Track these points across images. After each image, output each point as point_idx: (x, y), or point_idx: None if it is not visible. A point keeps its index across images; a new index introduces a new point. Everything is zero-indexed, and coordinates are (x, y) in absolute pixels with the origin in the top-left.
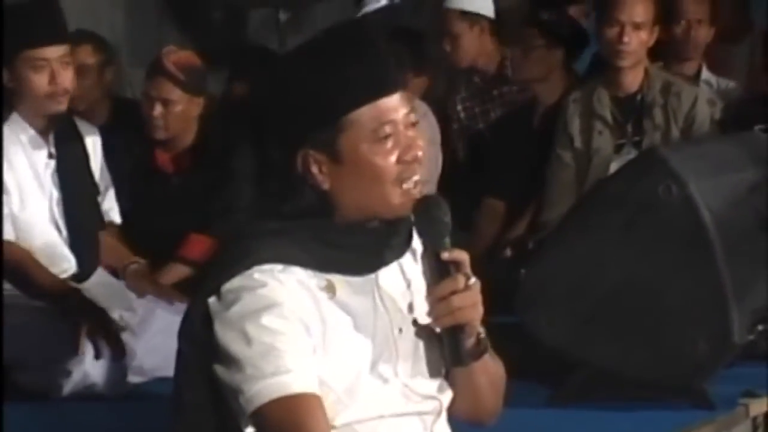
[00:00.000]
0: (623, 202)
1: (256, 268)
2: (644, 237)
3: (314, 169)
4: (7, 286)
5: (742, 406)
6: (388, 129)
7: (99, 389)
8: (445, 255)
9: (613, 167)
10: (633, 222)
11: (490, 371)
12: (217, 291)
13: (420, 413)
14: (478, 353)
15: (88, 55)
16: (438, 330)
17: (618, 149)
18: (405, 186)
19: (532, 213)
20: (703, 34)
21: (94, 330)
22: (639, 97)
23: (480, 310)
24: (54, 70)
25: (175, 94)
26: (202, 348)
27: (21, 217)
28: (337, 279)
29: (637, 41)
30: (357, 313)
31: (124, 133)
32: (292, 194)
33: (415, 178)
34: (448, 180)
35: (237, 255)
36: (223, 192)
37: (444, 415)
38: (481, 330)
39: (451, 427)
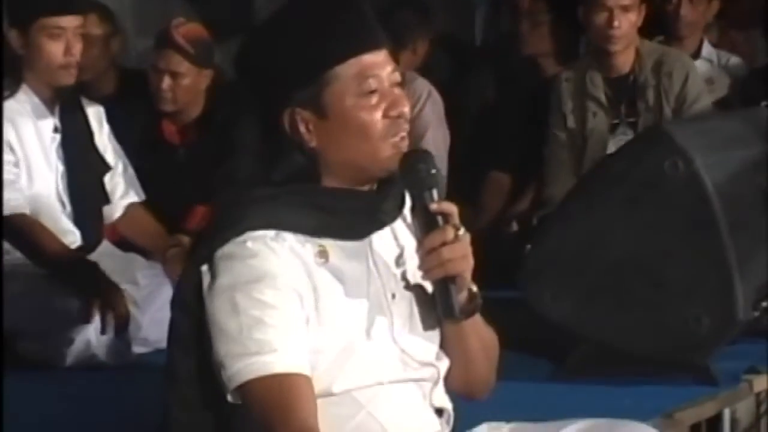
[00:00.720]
0: (628, 178)
1: (249, 234)
2: (649, 213)
3: (301, 128)
4: (8, 255)
5: (746, 383)
6: (372, 83)
7: (102, 359)
8: (433, 206)
9: (610, 147)
10: (638, 198)
11: (482, 335)
12: (209, 258)
13: (418, 380)
14: (470, 309)
15: (94, 26)
16: (431, 291)
17: (613, 129)
18: (392, 140)
19: (536, 189)
20: (694, 11)
21: (104, 303)
22: (631, 77)
23: (471, 262)
24: (69, 40)
25: (184, 66)
26: (194, 317)
27: (29, 191)
28: (330, 244)
29: (627, 24)
30: (350, 278)
31: (130, 104)
32: (282, 157)
33: (402, 133)
34: (454, 154)
35: (229, 222)
36: (228, 164)
37: (441, 384)
38: (474, 286)
39: (454, 402)
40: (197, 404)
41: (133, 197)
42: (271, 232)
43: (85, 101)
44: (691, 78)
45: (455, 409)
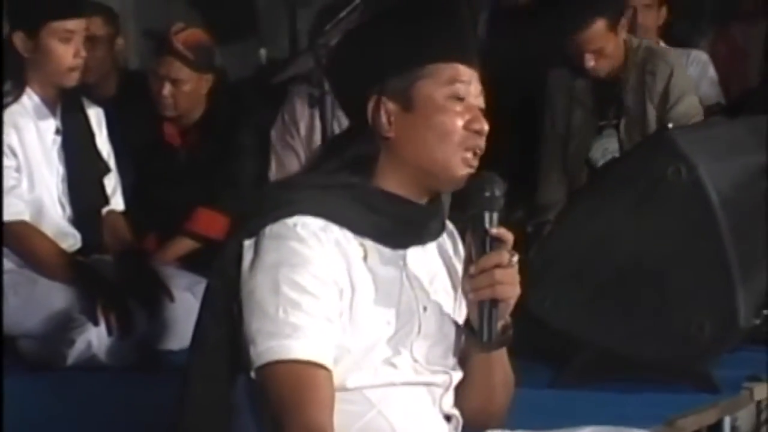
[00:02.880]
0: (632, 184)
1: (298, 218)
2: (651, 219)
3: (383, 117)
4: (9, 258)
5: (747, 390)
6: (462, 90)
7: (103, 360)
8: (494, 231)
9: (595, 149)
10: (640, 204)
11: (506, 369)
12: (255, 234)
13: (429, 384)
14: (503, 340)
15: (98, 27)
16: (461, 320)
17: (600, 131)
18: (466, 154)
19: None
20: (652, 17)
21: (108, 306)
22: (618, 82)
23: (518, 290)
24: (78, 43)
25: (184, 73)
26: (230, 286)
27: (30, 196)
28: (370, 246)
29: (602, 59)
30: (383, 282)
31: (132, 106)
32: (347, 147)
33: (477, 150)
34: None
35: (281, 202)
36: (229, 166)
37: (452, 391)
38: (509, 319)
39: None
40: (218, 374)
41: (118, 205)
42: (320, 222)
43: (86, 102)
44: (675, 76)
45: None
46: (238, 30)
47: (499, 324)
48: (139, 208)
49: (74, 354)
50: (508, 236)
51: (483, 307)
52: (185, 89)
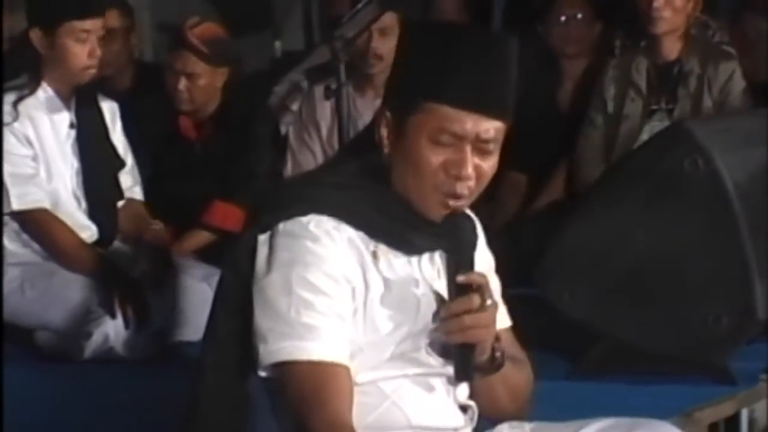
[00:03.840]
0: (648, 175)
1: (313, 216)
2: (669, 210)
3: (384, 132)
4: (27, 248)
5: (764, 383)
6: (447, 140)
7: (120, 353)
8: (461, 278)
9: (645, 134)
10: (658, 195)
11: (510, 382)
12: (270, 229)
13: (443, 375)
14: (490, 369)
15: (114, 20)
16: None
17: (650, 115)
18: (443, 198)
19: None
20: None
21: (125, 298)
22: (677, 65)
23: (492, 332)
24: (93, 43)
25: (200, 67)
26: (243, 281)
27: (49, 187)
28: (382, 248)
29: (670, 8)
30: (398, 283)
31: (148, 98)
32: (363, 151)
33: (457, 194)
34: None
35: (296, 199)
36: (245, 159)
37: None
38: (498, 346)
39: None
40: (231, 368)
41: (137, 194)
42: (333, 221)
43: (100, 97)
44: (736, 75)
45: None
46: (253, 22)
47: (482, 357)
48: (155, 200)
49: (91, 347)
50: (480, 281)
51: (457, 348)
52: (200, 83)
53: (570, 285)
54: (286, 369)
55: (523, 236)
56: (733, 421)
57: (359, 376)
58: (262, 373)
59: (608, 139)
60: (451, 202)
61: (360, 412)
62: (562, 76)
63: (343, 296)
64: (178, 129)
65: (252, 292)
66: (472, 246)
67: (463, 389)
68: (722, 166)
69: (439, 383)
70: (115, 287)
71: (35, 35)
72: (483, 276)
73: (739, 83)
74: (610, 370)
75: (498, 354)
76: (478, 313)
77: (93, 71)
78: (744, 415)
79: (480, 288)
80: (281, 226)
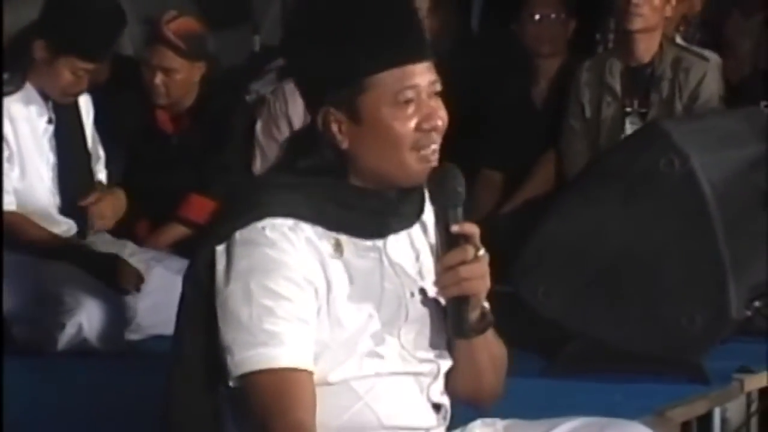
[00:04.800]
0: (624, 175)
1: (268, 221)
2: (644, 210)
3: (334, 128)
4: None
5: (737, 382)
6: (410, 94)
7: (94, 344)
8: (455, 228)
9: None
10: (633, 195)
11: (492, 350)
12: (226, 239)
13: (417, 374)
14: (481, 327)
15: None
16: (443, 301)
17: (624, 117)
18: (422, 153)
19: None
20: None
21: (107, 271)
22: (650, 68)
23: (487, 283)
24: (85, 79)
25: (176, 62)
26: (204, 295)
27: (21, 184)
28: (345, 240)
29: (648, 5)
30: (362, 274)
31: (124, 91)
32: (312, 150)
33: (434, 146)
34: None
35: (249, 204)
36: (221, 152)
37: (441, 380)
38: (486, 305)
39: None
40: (198, 383)
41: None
42: (289, 221)
43: None
44: (707, 79)
45: (451, 404)
46: (233, 16)
47: (474, 314)
48: (130, 193)
49: (65, 338)
50: (472, 230)
51: (452, 302)
52: (177, 78)
53: (545, 283)
54: (250, 379)
55: (498, 234)
56: (705, 420)
57: (330, 375)
58: (233, 385)
59: (591, 144)
60: (432, 157)
61: (332, 414)
62: (536, 74)
63: (305, 300)
64: (154, 122)
65: (214, 305)
66: (457, 198)
67: (437, 388)
68: (698, 166)
69: (413, 382)
70: (94, 265)
71: (38, 47)
72: (474, 226)
73: (710, 87)
74: (584, 368)
75: (487, 311)
76: (473, 264)
77: (74, 98)
78: (717, 414)
79: (472, 238)
80: (237, 234)
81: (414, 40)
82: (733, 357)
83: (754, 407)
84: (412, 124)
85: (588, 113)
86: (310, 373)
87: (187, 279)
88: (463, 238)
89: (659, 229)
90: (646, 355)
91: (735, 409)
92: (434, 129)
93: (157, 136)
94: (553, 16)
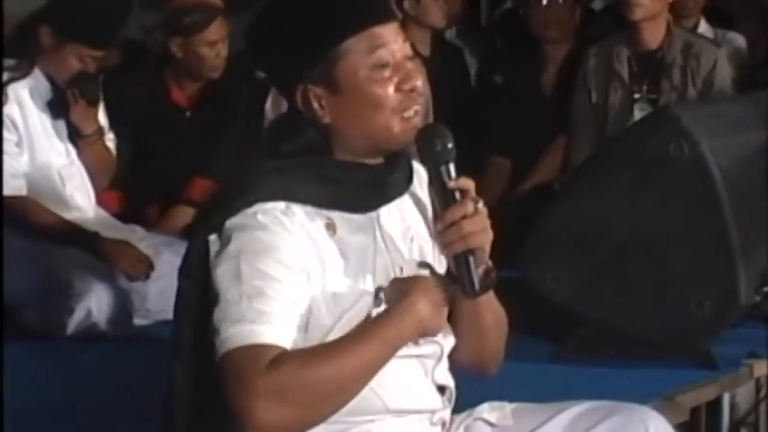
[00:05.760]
0: (633, 160)
1: (258, 206)
2: (653, 195)
3: (315, 104)
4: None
5: (746, 367)
6: (385, 56)
7: (103, 329)
8: (451, 184)
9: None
10: (642, 179)
11: (495, 309)
12: (218, 228)
13: (420, 356)
14: (487, 284)
15: None
16: (437, 267)
17: (633, 103)
18: (405, 114)
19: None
20: None
21: (116, 256)
22: (659, 54)
23: (490, 235)
24: (92, 65)
25: (226, 28)
26: (200, 286)
27: (31, 168)
28: (337, 216)
29: None
30: (356, 251)
31: (134, 76)
32: (295, 132)
33: (416, 107)
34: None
35: (239, 192)
36: (224, 132)
37: (445, 362)
38: (489, 262)
39: (456, 381)
40: (199, 373)
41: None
42: (281, 204)
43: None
44: (719, 65)
45: (457, 387)
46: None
47: (480, 269)
48: (140, 176)
49: (74, 323)
50: (469, 184)
51: (459, 259)
52: (226, 44)
53: (554, 268)
54: (230, 355)
55: (507, 219)
56: (714, 405)
57: None
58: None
59: (598, 130)
60: (415, 118)
61: None
62: (544, 60)
63: (295, 282)
64: (169, 97)
65: (209, 296)
66: (449, 155)
67: (442, 370)
68: (708, 151)
69: (417, 364)
70: (103, 251)
71: (44, 33)
72: (470, 180)
73: (723, 73)
74: (592, 353)
75: (490, 264)
76: (474, 217)
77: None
78: (726, 399)
79: (468, 192)
80: (228, 223)
81: (379, 1)
82: (743, 342)
83: (763, 392)
84: (391, 86)
85: (595, 99)
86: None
87: (182, 271)
88: (461, 193)
89: (668, 214)
90: (655, 340)
91: (744, 395)
92: (414, 89)
93: (170, 110)
94: (561, 0)
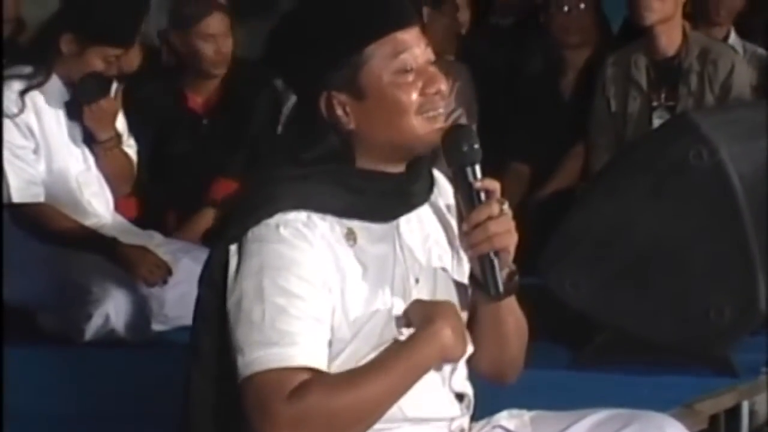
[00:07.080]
0: (653, 166)
1: (280, 216)
2: (672, 201)
3: (339, 111)
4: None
5: (765, 375)
6: (408, 60)
7: (121, 335)
8: (477, 184)
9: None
10: (662, 186)
11: (517, 315)
12: (239, 239)
13: (436, 366)
14: (511, 287)
15: None
16: (458, 279)
17: (651, 111)
18: (429, 115)
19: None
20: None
21: (135, 263)
22: (676, 61)
23: (515, 237)
24: (115, 65)
25: (226, 25)
26: (220, 295)
27: (49, 176)
28: (357, 226)
29: (660, 4)
30: (375, 261)
31: (153, 77)
32: (316, 139)
33: (440, 110)
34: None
35: (259, 201)
36: (248, 136)
37: (462, 369)
38: (513, 265)
39: (475, 388)
40: (216, 382)
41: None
42: (302, 215)
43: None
44: (737, 70)
45: (475, 395)
46: (258, 7)
47: (504, 272)
48: (159, 183)
49: (92, 329)
50: (495, 185)
51: (484, 261)
52: (228, 42)
53: (573, 275)
54: (260, 379)
55: (526, 225)
56: (733, 412)
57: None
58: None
59: (617, 139)
60: (439, 120)
61: None
62: (564, 66)
63: (318, 298)
64: (185, 104)
65: (228, 306)
66: (475, 156)
67: (459, 377)
68: (727, 158)
69: (434, 373)
70: (121, 257)
71: (66, 40)
72: (495, 181)
73: (741, 76)
74: (611, 360)
75: (514, 268)
76: (500, 218)
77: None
78: (745, 407)
79: (494, 193)
80: (249, 233)
81: (400, 6)
82: (762, 350)
83: None
84: (415, 91)
85: (614, 108)
86: (323, 374)
87: (202, 280)
88: (486, 194)
89: (687, 221)
90: (673, 347)
91: (763, 402)
92: (437, 93)
93: (187, 118)
94: (582, 6)
